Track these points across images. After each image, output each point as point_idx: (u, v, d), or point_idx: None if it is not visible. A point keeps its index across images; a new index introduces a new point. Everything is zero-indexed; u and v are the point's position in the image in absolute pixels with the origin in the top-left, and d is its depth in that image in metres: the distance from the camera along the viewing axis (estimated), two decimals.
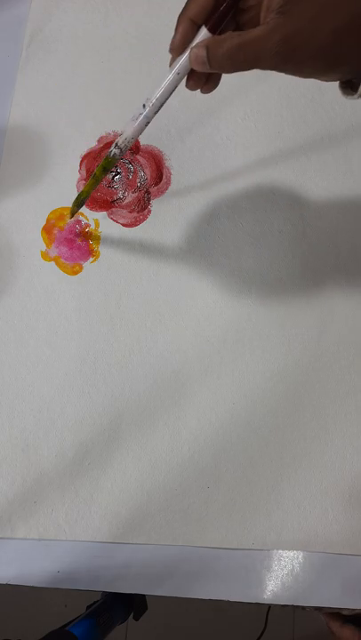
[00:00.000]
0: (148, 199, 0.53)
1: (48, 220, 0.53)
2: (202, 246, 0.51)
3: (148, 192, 0.53)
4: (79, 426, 0.47)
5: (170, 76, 0.35)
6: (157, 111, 0.37)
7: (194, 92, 0.57)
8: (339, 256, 0.50)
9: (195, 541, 0.44)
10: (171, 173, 0.54)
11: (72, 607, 1.07)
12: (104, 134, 0.55)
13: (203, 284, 0.50)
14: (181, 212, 0.52)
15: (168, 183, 0.53)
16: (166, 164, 0.54)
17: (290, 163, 0.52)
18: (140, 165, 0.54)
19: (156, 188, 0.53)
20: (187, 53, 0.33)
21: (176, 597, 0.43)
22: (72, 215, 0.49)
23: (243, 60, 0.31)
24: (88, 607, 0.51)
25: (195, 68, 0.33)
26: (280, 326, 0.48)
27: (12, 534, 0.45)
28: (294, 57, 0.30)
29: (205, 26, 0.33)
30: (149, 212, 0.53)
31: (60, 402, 0.48)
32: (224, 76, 0.56)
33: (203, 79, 0.36)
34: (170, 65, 0.35)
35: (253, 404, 0.47)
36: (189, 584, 0.43)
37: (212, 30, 0.33)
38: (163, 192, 0.53)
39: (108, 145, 0.55)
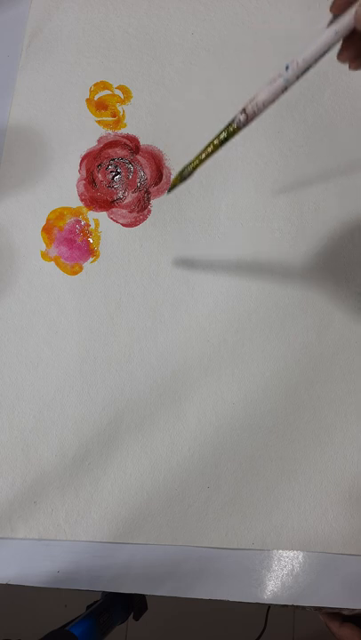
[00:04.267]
0: (148, 199, 0.53)
1: (48, 220, 0.53)
2: (202, 246, 0.51)
3: (148, 192, 0.53)
4: (79, 426, 0.47)
5: (326, 35, 0.29)
6: (301, 75, 0.31)
7: (193, 91, 0.57)
8: (339, 256, 0.50)
9: (195, 541, 0.44)
10: (171, 173, 0.54)
11: (72, 607, 1.07)
12: (104, 134, 0.55)
13: (203, 284, 0.50)
14: (181, 211, 0.52)
15: (168, 183, 0.53)
16: (166, 164, 0.54)
17: (290, 162, 0.52)
18: (140, 165, 0.54)
19: (156, 187, 0.53)
20: (352, 10, 0.28)
21: (176, 597, 0.43)
22: (171, 190, 0.42)
23: None
24: (88, 607, 0.51)
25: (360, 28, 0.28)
26: (280, 326, 0.48)
27: (12, 534, 0.45)
28: None
29: None
30: (149, 212, 0.53)
31: (60, 402, 0.48)
32: (222, 78, 0.56)
33: (358, 51, 0.30)
34: (328, 25, 0.29)
35: (254, 404, 0.47)
36: (189, 584, 0.43)
37: None
38: (163, 192, 0.53)
39: (108, 145, 0.55)
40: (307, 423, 0.46)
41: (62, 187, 0.54)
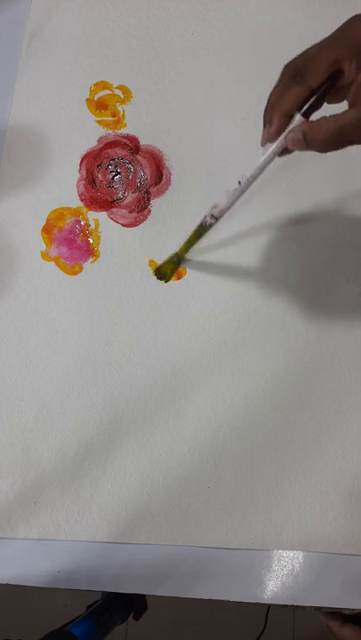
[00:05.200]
0: (148, 199, 0.53)
1: (48, 220, 0.53)
2: (202, 246, 0.51)
3: (148, 192, 0.53)
4: (79, 426, 0.47)
5: (265, 157, 0.37)
6: (250, 184, 0.40)
7: (193, 91, 0.57)
8: (338, 255, 0.50)
9: (195, 541, 0.44)
10: (171, 173, 0.54)
11: (72, 607, 1.07)
12: (104, 134, 0.55)
13: (203, 285, 0.50)
14: (181, 211, 0.52)
15: (168, 183, 0.53)
16: (166, 164, 0.54)
17: (290, 162, 0.52)
18: (140, 165, 0.54)
19: (156, 188, 0.53)
20: (281, 137, 0.36)
21: (176, 597, 0.43)
22: (160, 277, 0.51)
23: (340, 142, 0.33)
24: (88, 607, 0.51)
25: (292, 149, 0.36)
26: (280, 326, 0.48)
27: (12, 534, 0.45)
28: None
29: (299, 113, 0.34)
30: (149, 212, 0.53)
31: (60, 402, 0.48)
32: (222, 78, 0.56)
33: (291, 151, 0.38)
34: (262, 144, 0.37)
35: (254, 404, 0.47)
36: (189, 584, 0.43)
37: (305, 116, 0.34)
38: (163, 192, 0.53)
39: (108, 145, 0.55)
40: (307, 423, 0.46)
41: (62, 187, 0.54)
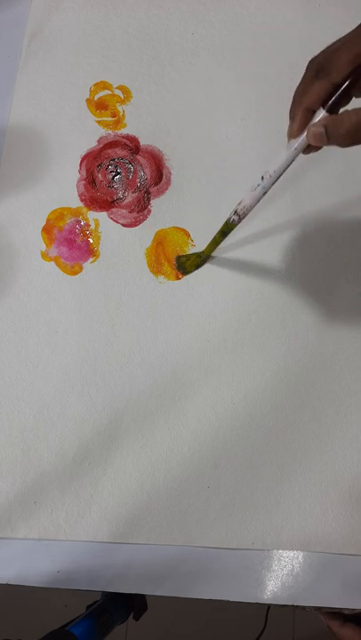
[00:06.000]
0: (148, 199, 0.53)
1: (48, 220, 0.53)
2: (202, 246, 0.51)
3: (148, 192, 0.53)
4: (79, 426, 0.47)
5: (288, 153, 0.37)
6: (274, 182, 0.39)
7: (193, 91, 0.57)
8: (338, 256, 0.50)
9: (195, 541, 0.44)
10: (171, 173, 0.54)
11: (72, 607, 1.07)
12: (104, 134, 0.55)
13: (203, 284, 0.50)
14: (181, 211, 0.52)
15: (168, 183, 0.53)
16: (166, 164, 0.54)
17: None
18: (140, 165, 0.54)
19: (156, 188, 0.53)
20: (304, 134, 0.35)
21: (176, 597, 0.43)
22: (185, 274, 0.50)
23: None
24: (88, 607, 0.51)
25: (312, 144, 0.35)
26: (280, 326, 0.48)
27: (12, 534, 0.45)
28: None
29: (324, 108, 0.34)
30: (149, 212, 0.53)
31: (60, 402, 0.48)
32: (222, 78, 0.56)
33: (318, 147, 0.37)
34: (288, 140, 0.37)
35: (254, 404, 0.47)
36: (189, 584, 0.43)
37: (329, 111, 0.34)
38: (163, 192, 0.53)
39: (108, 145, 0.55)
40: (307, 423, 0.46)
41: (62, 187, 0.54)
